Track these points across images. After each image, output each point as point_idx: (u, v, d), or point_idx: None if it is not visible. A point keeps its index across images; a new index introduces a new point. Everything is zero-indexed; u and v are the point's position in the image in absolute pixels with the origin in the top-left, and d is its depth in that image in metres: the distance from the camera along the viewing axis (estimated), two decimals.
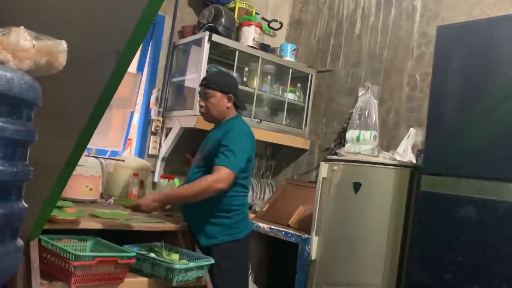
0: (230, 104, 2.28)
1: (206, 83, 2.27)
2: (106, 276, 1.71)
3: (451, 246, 1.88)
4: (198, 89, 2.92)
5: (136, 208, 2.10)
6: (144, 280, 1.90)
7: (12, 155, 0.75)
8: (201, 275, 2.00)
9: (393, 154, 2.46)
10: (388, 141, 3.03)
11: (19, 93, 0.72)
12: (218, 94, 2.24)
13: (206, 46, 2.95)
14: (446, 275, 1.87)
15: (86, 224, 1.94)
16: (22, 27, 0.77)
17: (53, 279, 1.66)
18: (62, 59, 0.82)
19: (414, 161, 2.51)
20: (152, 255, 1.98)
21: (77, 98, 1.28)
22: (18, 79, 0.72)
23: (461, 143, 1.90)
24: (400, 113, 3.04)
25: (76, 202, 2.41)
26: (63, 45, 0.81)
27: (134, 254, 1.84)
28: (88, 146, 2.93)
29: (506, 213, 1.77)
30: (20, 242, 0.82)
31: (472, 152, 1.87)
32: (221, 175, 2.04)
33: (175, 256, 2.03)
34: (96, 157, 2.67)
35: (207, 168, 2.17)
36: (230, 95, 2.27)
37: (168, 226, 2.24)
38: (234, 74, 3.12)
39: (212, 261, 2.03)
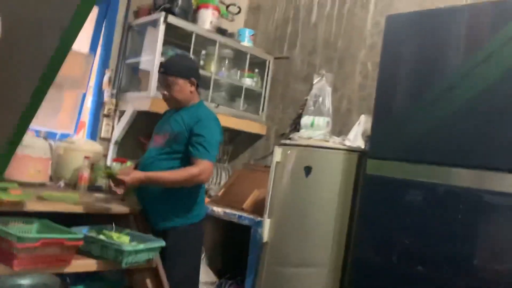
0: (193, 88, 2.25)
1: (166, 71, 2.21)
2: (51, 258, 1.67)
3: (397, 228, 1.97)
4: (153, 71, 2.91)
5: (117, 182, 2.06)
6: (92, 262, 1.88)
7: None
8: (151, 257, 2.00)
9: (343, 140, 2.53)
10: (340, 128, 3.11)
11: None
12: (180, 80, 2.19)
13: (162, 28, 2.91)
14: (392, 256, 1.96)
15: (33, 206, 1.89)
16: None
17: None
18: None
19: (363, 147, 2.60)
20: (102, 237, 1.96)
21: (19, 71, 1.23)
22: None
23: (406, 129, 1.98)
24: (352, 100, 3.12)
25: (24, 184, 2.33)
26: None
27: (82, 236, 1.81)
28: (37, 128, 2.85)
29: (448, 196, 1.86)
30: None
31: (417, 138, 1.96)
32: (204, 168, 2.07)
33: (125, 239, 2.02)
34: (45, 139, 2.59)
35: (172, 150, 2.17)
36: (192, 78, 2.24)
37: (119, 209, 2.21)
38: (191, 57, 3.10)
39: (163, 244, 2.04)
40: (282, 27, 3.68)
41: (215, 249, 3.57)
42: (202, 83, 3.23)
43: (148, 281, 2.11)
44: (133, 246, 1.89)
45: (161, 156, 2.21)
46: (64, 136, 2.99)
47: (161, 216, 2.21)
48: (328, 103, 3.13)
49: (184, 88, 2.22)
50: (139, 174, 2.11)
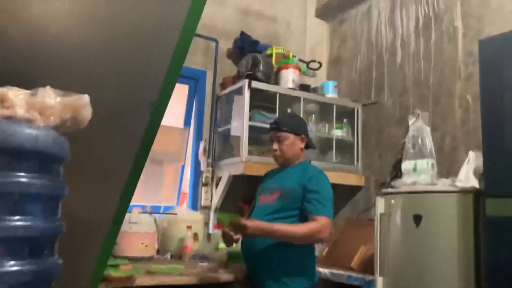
0: (303, 145, 2.26)
1: (278, 127, 2.24)
2: None
3: None
4: (243, 136, 2.97)
5: (240, 228, 1.98)
6: None
7: (42, 210, 0.76)
8: None
9: (453, 181, 2.29)
10: (447, 168, 2.85)
11: (44, 148, 0.74)
12: (291, 135, 2.22)
13: (247, 93, 3.00)
14: None
15: (141, 281, 1.94)
16: (48, 87, 0.81)
17: None
18: (86, 112, 0.84)
19: (477, 186, 2.32)
20: None
21: (115, 152, 1.31)
22: (43, 135, 0.75)
23: None
24: (456, 137, 2.87)
25: (133, 259, 2.44)
26: (85, 99, 0.84)
27: None
28: (143, 204, 3.01)
29: None
30: None
31: None
32: (324, 224, 2.01)
33: None
34: (150, 213, 2.71)
35: (285, 208, 2.11)
36: (303, 135, 2.26)
37: (224, 277, 2.19)
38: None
39: None
40: (366, 73, 3.60)
41: None
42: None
43: None
44: None
45: (273, 214, 2.11)
46: (168, 209, 3.12)
47: (272, 278, 2.06)
48: (429, 143, 2.91)
49: (294, 143, 2.23)
50: (261, 223, 2.02)
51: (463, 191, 2.07)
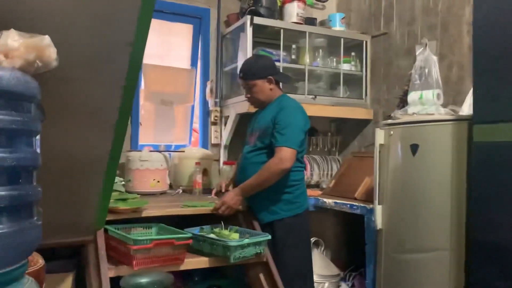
0: (272, 85, 2.33)
1: (243, 76, 2.34)
2: (165, 257, 1.83)
3: None
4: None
5: (221, 205, 2.20)
6: (204, 259, 2.00)
7: (14, 143, 0.85)
8: (259, 251, 2.05)
9: (452, 110, 2.28)
10: (454, 98, 2.82)
11: (9, 88, 0.82)
12: (258, 81, 2.30)
13: (249, 30, 2.98)
14: None
15: (148, 212, 2.09)
16: (12, 29, 0.87)
17: (119, 264, 1.82)
18: (49, 53, 0.90)
19: None
20: (212, 235, 2.07)
21: (102, 93, 1.38)
22: (7, 76, 0.82)
23: None
24: (463, 66, 2.80)
25: (147, 195, 2.61)
26: (46, 39, 0.90)
27: (190, 235, 1.94)
28: (156, 143, 3.15)
29: None
30: (36, 221, 0.92)
31: None
32: (283, 155, 2.12)
33: (235, 236, 2.11)
34: (160, 152, 2.84)
35: (262, 146, 2.26)
36: (269, 77, 2.30)
37: None
38: (282, 53, 3.12)
39: (269, 237, 2.08)
40: (375, 2, 3.48)
41: (338, 242, 3.51)
42: (297, 76, 3.24)
43: (261, 276, 2.17)
44: (238, 241, 1.96)
45: (253, 153, 2.30)
46: (179, 148, 3.24)
47: (266, 211, 2.27)
48: (435, 73, 2.86)
49: (263, 88, 2.31)
50: (235, 190, 2.25)
51: (459, 120, 2.07)
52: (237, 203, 2.23)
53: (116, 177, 2.19)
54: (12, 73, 0.83)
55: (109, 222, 1.93)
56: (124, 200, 2.09)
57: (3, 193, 0.81)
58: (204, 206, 2.25)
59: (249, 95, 2.36)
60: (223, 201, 2.21)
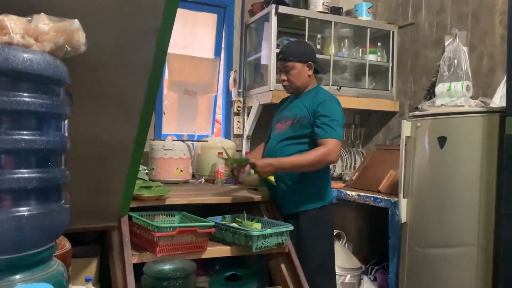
0: (311, 72, 2.27)
1: (283, 57, 2.25)
2: (188, 245, 1.84)
3: None
4: (270, 64, 2.97)
5: (252, 166, 2.12)
6: (226, 248, 2.00)
7: (43, 126, 0.86)
8: (281, 242, 2.04)
9: (482, 102, 2.21)
10: (484, 90, 2.73)
11: (39, 71, 0.82)
12: (298, 64, 2.23)
13: (274, 20, 2.95)
14: None
15: (172, 200, 2.10)
16: (42, 13, 0.87)
17: (142, 250, 1.84)
18: (78, 37, 0.90)
19: None
20: (234, 225, 2.07)
21: (129, 80, 1.39)
22: (37, 59, 0.82)
23: None
24: (495, 57, 2.71)
25: (170, 183, 2.63)
26: (76, 23, 0.90)
27: (212, 224, 1.94)
28: (179, 133, 3.16)
29: None
30: (63, 204, 0.93)
31: None
32: (332, 147, 2.06)
33: (257, 225, 2.10)
34: (183, 141, 2.85)
35: (296, 135, 2.20)
36: (310, 62, 2.25)
37: (251, 197, 2.32)
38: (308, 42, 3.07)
39: (291, 228, 2.06)
40: None
41: (360, 235, 3.48)
42: (321, 67, 3.19)
43: (283, 266, 2.16)
44: (261, 230, 1.95)
45: (285, 141, 2.23)
46: (202, 138, 3.25)
47: (293, 202, 2.23)
48: (465, 65, 2.78)
49: (302, 71, 2.24)
50: (271, 160, 2.13)
51: (490, 112, 2.01)
52: (267, 173, 2.11)
53: (140, 166, 2.20)
54: (42, 57, 0.84)
55: (133, 209, 1.95)
56: (148, 187, 2.11)
57: (32, 175, 0.83)
58: (243, 162, 2.19)
59: (285, 78, 2.26)
60: (255, 163, 2.10)
